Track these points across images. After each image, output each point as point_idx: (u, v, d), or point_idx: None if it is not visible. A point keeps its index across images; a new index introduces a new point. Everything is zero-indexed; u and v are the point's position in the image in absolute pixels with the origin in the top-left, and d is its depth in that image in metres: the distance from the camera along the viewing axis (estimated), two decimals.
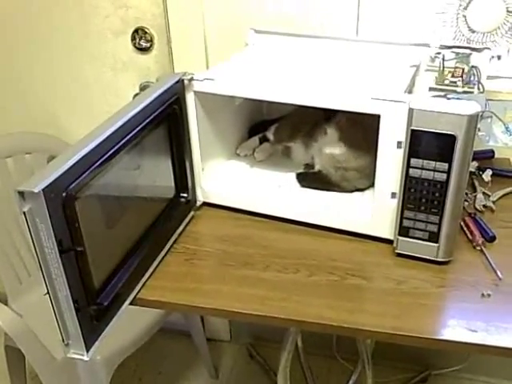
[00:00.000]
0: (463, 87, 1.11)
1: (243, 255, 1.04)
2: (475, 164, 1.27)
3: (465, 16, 1.27)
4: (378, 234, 1.04)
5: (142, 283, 0.96)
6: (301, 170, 1.23)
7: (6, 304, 1.49)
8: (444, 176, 0.91)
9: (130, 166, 0.96)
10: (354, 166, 1.14)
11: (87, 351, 0.84)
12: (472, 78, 1.12)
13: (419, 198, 0.95)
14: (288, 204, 1.12)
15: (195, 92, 1.06)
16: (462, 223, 1.09)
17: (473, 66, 1.13)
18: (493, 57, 1.25)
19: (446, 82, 1.13)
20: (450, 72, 1.14)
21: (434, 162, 0.91)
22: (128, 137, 0.90)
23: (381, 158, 0.97)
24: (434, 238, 0.97)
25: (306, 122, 1.23)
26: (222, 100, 1.12)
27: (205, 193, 1.17)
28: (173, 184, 1.11)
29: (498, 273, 0.96)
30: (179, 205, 1.12)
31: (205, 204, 1.19)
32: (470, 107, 0.87)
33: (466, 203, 1.16)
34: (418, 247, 0.99)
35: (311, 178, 1.20)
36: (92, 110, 1.65)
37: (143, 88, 1.58)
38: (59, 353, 1.34)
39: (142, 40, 1.53)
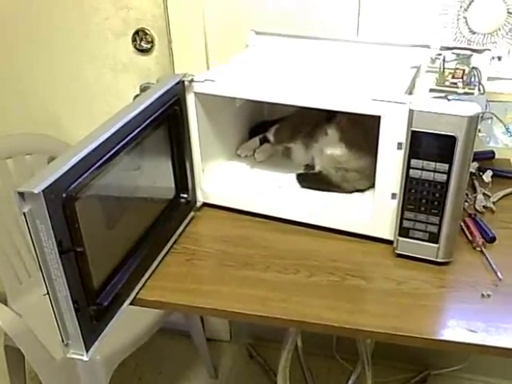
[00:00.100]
0: (464, 88, 1.11)
1: (243, 256, 1.04)
2: (475, 165, 1.28)
3: (465, 17, 1.27)
4: (378, 235, 1.04)
5: (141, 283, 0.96)
6: (301, 171, 1.23)
7: (5, 304, 1.49)
8: (444, 177, 0.91)
9: (131, 166, 0.96)
10: (354, 167, 1.14)
11: (87, 351, 0.84)
12: (472, 79, 1.12)
13: (419, 199, 0.95)
14: (288, 205, 1.12)
15: (196, 93, 1.06)
16: (462, 224, 1.09)
17: (473, 68, 1.13)
18: (493, 58, 1.26)
19: (447, 83, 1.13)
20: (450, 73, 1.14)
21: (434, 163, 0.91)
22: (128, 138, 0.90)
23: (381, 158, 0.97)
24: (434, 238, 0.97)
25: (306, 122, 1.23)
26: (222, 101, 1.12)
27: (205, 193, 1.17)
28: (173, 185, 1.11)
29: (498, 273, 0.96)
30: (179, 205, 1.12)
31: (205, 205, 1.19)
32: (470, 108, 0.87)
33: (467, 204, 1.16)
34: (418, 248, 0.99)
35: (311, 179, 1.20)
36: (92, 110, 1.65)
37: (144, 89, 1.58)
38: (59, 353, 1.34)
39: (142, 41, 1.53)
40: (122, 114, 0.91)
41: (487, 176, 1.24)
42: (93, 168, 0.81)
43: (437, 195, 0.93)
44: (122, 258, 0.94)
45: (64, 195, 0.76)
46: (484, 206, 1.15)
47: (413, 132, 0.90)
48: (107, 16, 1.52)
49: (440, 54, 1.15)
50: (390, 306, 0.92)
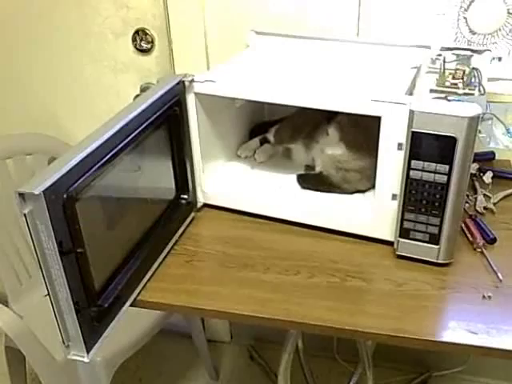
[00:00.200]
0: (464, 89, 1.11)
1: (244, 257, 1.04)
2: (476, 166, 1.27)
3: (465, 18, 1.27)
4: (379, 236, 1.04)
5: (142, 285, 0.96)
6: (302, 172, 1.23)
7: (6, 305, 1.49)
8: (445, 178, 0.91)
9: (131, 167, 0.96)
10: (354, 167, 1.14)
11: (87, 353, 0.84)
12: (473, 80, 1.12)
13: (420, 200, 0.95)
14: (289, 205, 1.12)
15: (196, 93, 1.06)
16: (463, 225, 1.09)
17: (473, 68, 1.13)
18: (494, 58, 1.25)
19: (447, 83, 1.13)
20: (450, 74, 1.14)
21: (434, 164, 0.91)
22: (128, 138, 0.90)
23: (381, 159, 0.97)
24: (434, 239, 0.97)
25: (306, 123, 1.23)
26: (222, 101, 1.12)
27: (205, 194, 1.17)
28: (173, 185, 1.10)
29: (499, 275, 0.96)
30: (180, 206, 1.12)
31: (205, 205, 1.19)
32: (470, 109, 0.87)
33: (467, 205, 1.16)
34: (418, 249, 0.99)
35: (312, 180, 1.20)
36: (92, 111, 1.65)
37: (144, 89, 1.58)
38: (59, 354, 1.34)
39: (142, 41, 1.53)
40: (122, 114, 0.91)
41: (488, 177, 1.24)
42: (93, 169, 0.81)
43: (437, 196, 0.93)
44: (123, 258, 0.94)
45: (64, 196, 0.76)
46: (484, 207, 1.15)
47: (413, 133, 0.90)
48: (107, 16, 1.52)
49: (440, 55, 1.15)
50: (391, 307, 0.92)
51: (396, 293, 0.94)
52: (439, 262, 0.98)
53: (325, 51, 1.24)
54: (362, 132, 1.11)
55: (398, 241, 1.00)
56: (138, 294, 0.95)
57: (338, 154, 1.15)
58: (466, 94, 1.11)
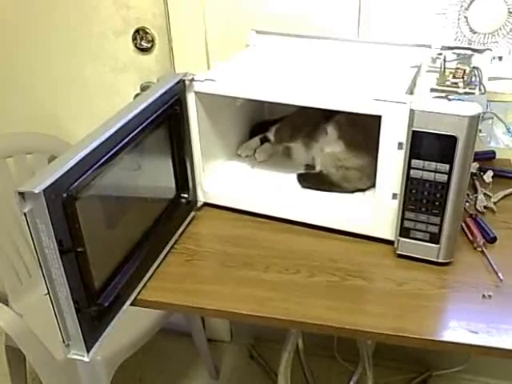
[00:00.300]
0: (464, 88, 1.11)
1: (244, 256, 1.04)
2: (476, 165, 1.27)
3: (466, 17, 1.27)
4: (379, 235, 1.04)
5: (142, 284, 0.96)
6: (302, 171, 1.23)
7: (6, 304, 1.49)
8: (445, 177, 0.91)
9: (131, 166, 0.96)
10: (354, 165, 1.14)
11: (88, 352, 0.84)
12: (473, 79, 1.12)
13: (420, 199, 0.95)
14: (289, 205, 1.12)
15: (196, 92, 1.06)
16: (463, 224, 1.09)
17: (474, 67, 1.12)
18: (494, 58, 1.25)
19: (448, 83, 1.13)
20: (451, 73, 1.14)
21: (434, 163, 0.91)
22: (129, 137, 0.89)
23: (382, 158, 0.97)
24: (434, 239, 0.97)
25: (307, 122, 1.23)
26: (222, 100, 1.12)
27: (205, 193, 1.17)
28: (173, 184, 1.10)
29: (499, 274, 0.96)
30: (180, 205, 1.12)
31: (205, 204, 1.19)
32: (471, 108, 0.87)
33: (467, 204, 1.16)
34: (418, 248, 0.99)
35: (312, 179, 1.20)
36: (93, 110, 1.65)
37: (144, 88, 1.58)
38: (60, 353, 1.34)
39: (142, 40, 1.53)
40: (122, 113, 0.91)
41: (488, 176, 1.24)
42: (93, 168, 0.81)
43: (438, 195, 0.93)
44: (123, 258, 0.94)
45: (65, 195, 0.76)
46: (485, 207, 1.15)
47: (413, 132, 0.90)
48: (107, 15, 1.52)
49: (441, 54, 1.15)
50: (391, 306, 0.92)
51: (396, 292, 0.94)
52: (439, 261, 0.98)
53: (325, 50, 1.24)
54: (361, 131, 1.11)
55: (399, 240, 1.00)
56: (138, 293, 0.95)
57: (337, 152, 1.15)
58: (466, 93, 1.11)
